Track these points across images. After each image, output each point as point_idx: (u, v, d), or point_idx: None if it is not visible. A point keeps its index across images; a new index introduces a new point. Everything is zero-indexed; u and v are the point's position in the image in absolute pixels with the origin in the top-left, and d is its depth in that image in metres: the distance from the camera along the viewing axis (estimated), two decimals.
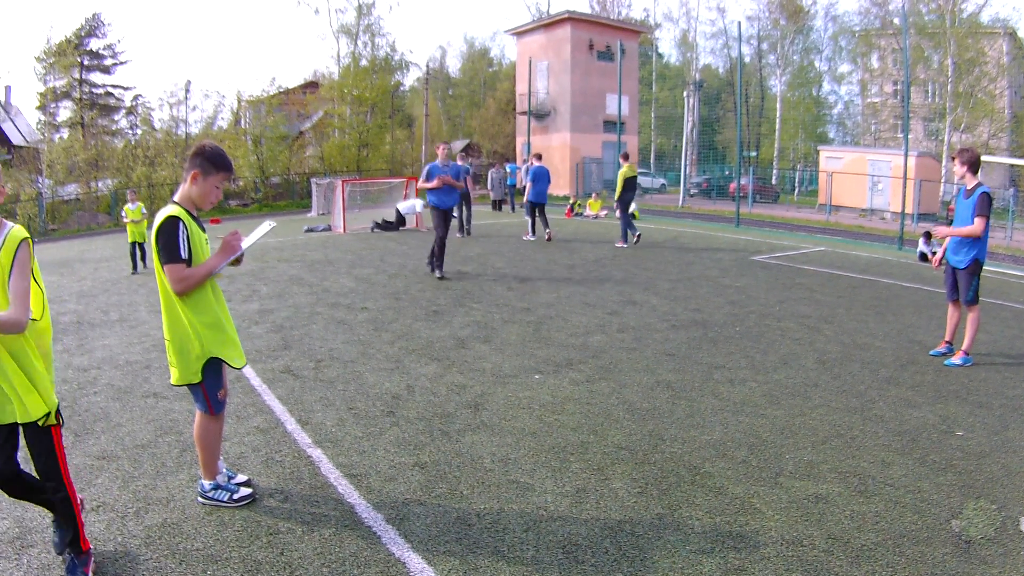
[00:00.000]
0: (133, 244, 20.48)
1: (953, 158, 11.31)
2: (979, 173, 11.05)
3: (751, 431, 7.98)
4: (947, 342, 11.66)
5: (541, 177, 25.78)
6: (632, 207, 37.13)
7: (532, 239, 26.32)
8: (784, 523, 5.90)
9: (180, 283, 5.27)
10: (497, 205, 41.07)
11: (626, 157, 25.17)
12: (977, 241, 11.09)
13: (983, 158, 12.06)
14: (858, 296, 16.68)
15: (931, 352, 11.63)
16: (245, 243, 5.70)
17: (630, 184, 24.71)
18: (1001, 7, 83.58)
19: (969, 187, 11.00)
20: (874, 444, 7.73)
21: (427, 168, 18.06)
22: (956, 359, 11.19)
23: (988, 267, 22.57)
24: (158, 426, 7.65)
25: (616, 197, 24.99)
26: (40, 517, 5.68)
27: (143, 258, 20.55)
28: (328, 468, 6.64)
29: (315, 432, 7.54)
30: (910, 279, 19.92)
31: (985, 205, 10.77)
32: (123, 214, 21.21)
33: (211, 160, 5.52)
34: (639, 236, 25.24)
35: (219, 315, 5.60)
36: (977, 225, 10.82)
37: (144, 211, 21.16)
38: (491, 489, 6.32)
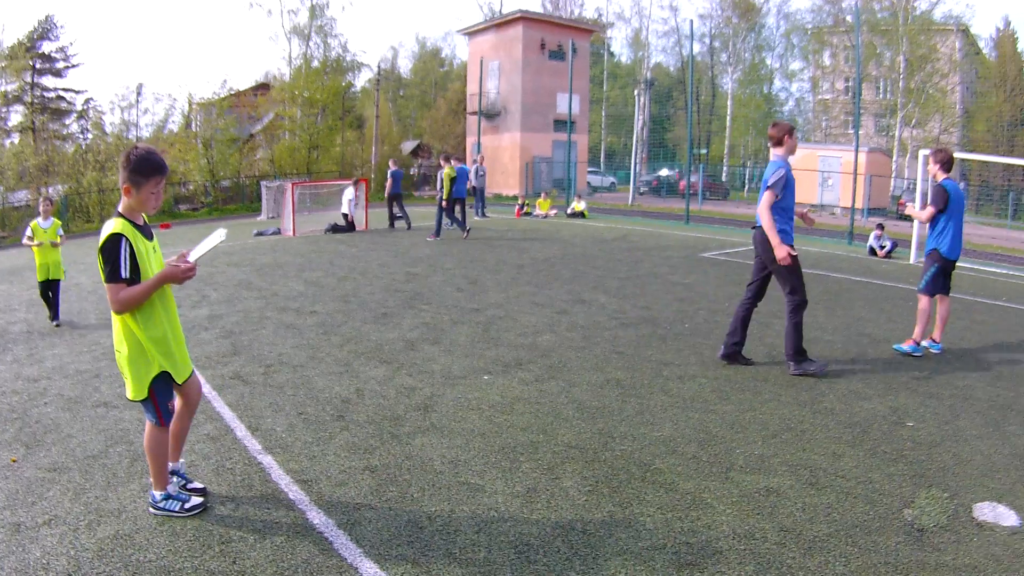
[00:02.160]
0: (44, 284, 14.11)
1: (928, 157, 11.96)
2: (951, 171, 11.61)
3: (701, 427, 8.07)
4: (932, 339, 11.98)
5: (460, 176, 28.34)
6: (582, 205, 37.31)
7: (451, 228, 29.01)
8: (736, 517, 5.98)
9: (117, 303, 5.25)
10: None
11: (447, 159, 27.80)
12: (935, 232, 11.61)
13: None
14: (808, 291, 16.82)
15: (926, 345, 11.88)
16: (195, 254, 5.67)
17: (455, 183, 26.77)
18: (954, 4, 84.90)
19: (938, 182, 11.52)
20: (824, 436, 7.86)
21: None
22: (905, 345, 11.61)
23: None
24: (108, 436, 7.60)
25: (444, 196, 27.04)
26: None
27: (55, 306, 14.06)
28: (279, 474, 6.63)
29: (265, 438, 7.52)
30: (860, 273, 20.22)
31: (936, 196, 11.41)
32: (28, 233, 14.36)
33: (138, 170, 5.39)
34: (469, 231, 27.39)
35: (167, 329, 5.57)
36: (925, 212, 11.54)
37: (61, 232, 14.59)
38: (442, 491, 6.34)
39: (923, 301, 11.69)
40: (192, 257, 5.64)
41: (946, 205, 11.43)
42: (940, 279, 11.71)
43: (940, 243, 11.57)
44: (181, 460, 6.41)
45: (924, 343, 11.82)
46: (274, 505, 6.04)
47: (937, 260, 11.63)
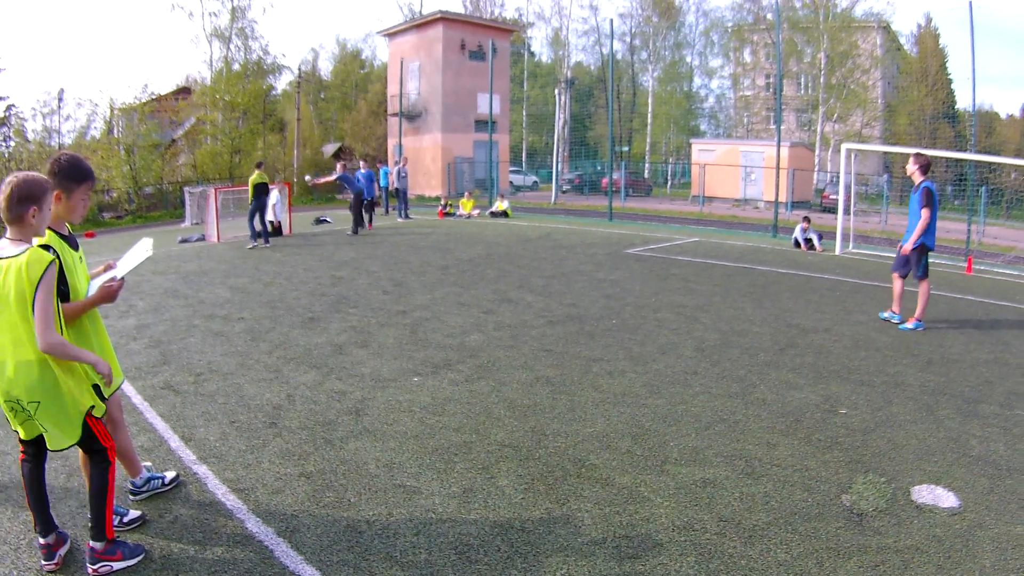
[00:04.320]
0: None
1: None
2: (928, 173, 12.78)
3: (634, 421, 8.16)
4: (893, 311, 13.25)
5: (366, 178, 30.85)
6: (505, 205, 37.33)
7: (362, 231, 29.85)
8: (674, 509, 6.08)
9: None
10: (369, 207, 40.88)
11: (259, 166, 27.21)
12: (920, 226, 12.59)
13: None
14: (734, 284, 17.07)
15: (881, 315, 13.36)
16: (123, 269, 5.60)
17: (261, 190, 26.09)
18: (875, 2, 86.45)
19: (916, 183, 12.76)
20: (758, 427, 8.00)
21: None
22: (909, 324, 12.64)
23: (865, 251, 23.41)
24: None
25: (249, 200, 26.59)
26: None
27: None
28: (215, 484, 6.57)
29: (199, 448, 7.43)
30: (786, 265, 20.50)
31: (927, 198, 12.48)
32: None
33: (69, 176, 5.29)
34: (266, 241, 26.48)
35: (94, 344, 5.50)
36: (924, 216, 12.46)
37: None
38: (378, 495, 6.34)
39: (924, 284, 12.93)
40: (120, 272, 5.56)
41: (933, 201, 12.58)
42: (924, 262, 12.97)
43: (926, 238, 12.73)
44: (146, 464, 6.43)
45: (887, 314, 13.21)
46: (212, 516, 5.99)
47: (924, 253, 12.94)
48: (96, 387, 5.34)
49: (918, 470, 6.88)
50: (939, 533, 5.68)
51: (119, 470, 6.32)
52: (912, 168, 12.90)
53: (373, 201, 30.82)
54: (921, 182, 12.68)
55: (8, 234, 4.99)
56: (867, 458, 7.16)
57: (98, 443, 5.22)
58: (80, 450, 5.32)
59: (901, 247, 13.09)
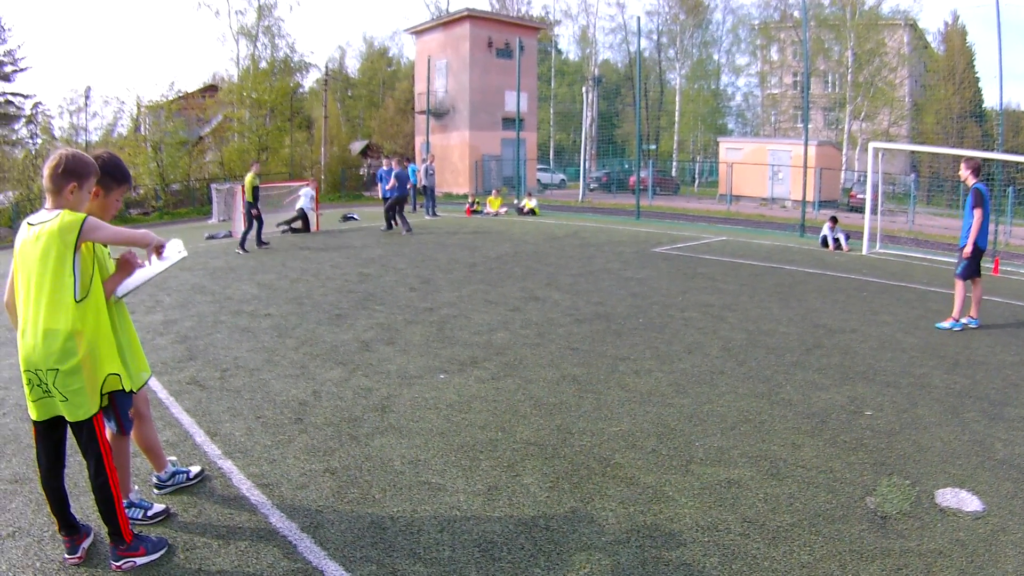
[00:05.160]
0: None
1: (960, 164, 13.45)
2: (979, 174, 12.88)
3: (659, 420, 8.13)
4: (971, 316, 13.17)
5: (391, 176, 29.52)
6: (533, 203, 37.28)
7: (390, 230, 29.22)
8: (698, 509, 6.06)
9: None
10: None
11: (253, 164, 26.79)
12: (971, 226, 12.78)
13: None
14: (761, 283, 17.00)
15: (964, 322, 13.05)
16: (152, 271, 5.57)
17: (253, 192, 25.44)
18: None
19: (968, 186, 12.89)
20: (783, 427, 7.96)
21: None
22: (946, 324, 12.80)
23: (892, 251, 23.26)
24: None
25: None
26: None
27: None
28: (240, 479, 6.59)
29: (224, 443, 7.45)
30: (813, 265, 20.41)
31: (977, 199, 12.64)
32: None
33: (111, 174, 5.36)
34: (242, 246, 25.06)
35: (121, 338, 5.42)
36: (976, 216, 12.62)
37: None
38: (403, 491, 6.34)
39: (959, 284, 13.00)
40: (154, 271, 5.55)
41: (984, 202, 12.68)
42: (974, 265, 12.96)
43: (977, 238, 12.83)
44: (171, 459, 6.47)
45: (964, 320, 12.92)
46: (236, 510, 6.02)
47: (971, 254, 12.96)
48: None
49: (942, 473, 6.83)
50: (962, 537, 5.64)
51: (144, 464, 6.39)
52: (965, 173, 13.03)
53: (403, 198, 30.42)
54: (973, 184, 12.78)
55: (47, 204, 5.06)
56: (892, 460, 7.12)
57: (96, 444, 5.14)
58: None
59: (962, 250, 13.05)
